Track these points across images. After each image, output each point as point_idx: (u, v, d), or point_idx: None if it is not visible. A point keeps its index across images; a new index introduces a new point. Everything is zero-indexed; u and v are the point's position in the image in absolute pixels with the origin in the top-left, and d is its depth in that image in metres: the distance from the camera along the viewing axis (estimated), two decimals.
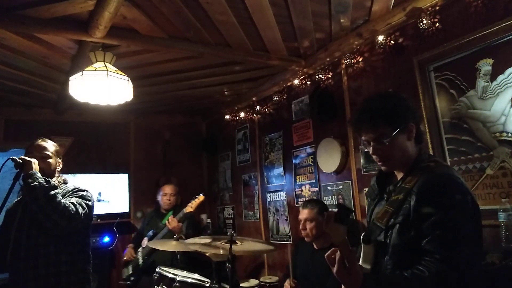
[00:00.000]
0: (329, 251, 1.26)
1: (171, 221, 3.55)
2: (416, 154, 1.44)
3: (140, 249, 3.77)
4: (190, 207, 3.59)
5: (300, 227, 2.78)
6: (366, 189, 2.92)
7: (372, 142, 1.42)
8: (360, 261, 1.39)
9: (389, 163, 1.43)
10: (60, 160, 2.34)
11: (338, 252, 1.21)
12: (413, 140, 1.44)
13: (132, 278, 3.66)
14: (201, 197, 3.63)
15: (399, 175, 1.46)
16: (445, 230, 1.22)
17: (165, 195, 3.93)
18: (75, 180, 4.07)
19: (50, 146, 2.29)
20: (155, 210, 4.12)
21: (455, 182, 1.32)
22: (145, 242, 3.73)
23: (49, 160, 2.23)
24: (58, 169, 2.32)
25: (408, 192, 1.33)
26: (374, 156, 1.45)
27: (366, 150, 1.54)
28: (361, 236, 1.42)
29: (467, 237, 1.24)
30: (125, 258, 3.83)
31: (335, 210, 1.24)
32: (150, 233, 3.75)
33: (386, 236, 1.35)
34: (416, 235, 1.26)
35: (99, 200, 4.61)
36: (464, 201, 1.28)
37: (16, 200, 2.27)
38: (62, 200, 2.08)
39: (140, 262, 3.67)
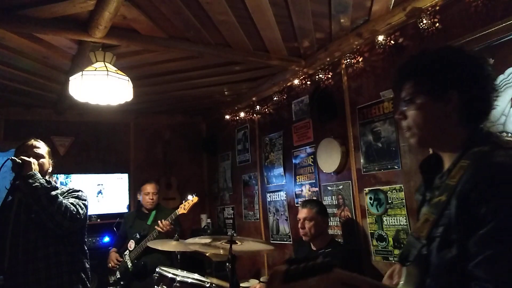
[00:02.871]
0: None
1: (164, 226, 3.39)
2: (466, 135, 1.08)
3: (126, 253, 3.63)
4: (182, 209, 3.43)
5: (299, 225, 2.78)
6: (366, 189, 2.93)
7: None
8: (401, 283, 1.09)
9: (412, 132, 1.14)
10: (51, 162, 2.32)
11: None
12: (457, 115, 1.08)
13: (122, 283, 3.50)
14: (194, 199, 3.45)
15: (446, 163, 1.13)
16: (500, 249, 0.89)
17: (147, 194, 3.76)
18: (76, 180, 4.13)
19: (43, 146, 2.29)
20: (136, 211, 3.97)
21: None
22: (131, 245, 3.61)
23: (42, 160, 2.22)
24: (49, 171, 2.30)
25: (453, 191, 1.00)
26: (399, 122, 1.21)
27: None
28: (399, 256, 1.14)
29: None
30: (110, 264, 3.66)
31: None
32: (137, 235, 3.60)
33: (429, 250, 1.03)
34: (461, 254, 0.94)
35: (98, 199, 4.62)
36: None
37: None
38: (64, 201, 2.08)
39: (129, 266, 3.54)
